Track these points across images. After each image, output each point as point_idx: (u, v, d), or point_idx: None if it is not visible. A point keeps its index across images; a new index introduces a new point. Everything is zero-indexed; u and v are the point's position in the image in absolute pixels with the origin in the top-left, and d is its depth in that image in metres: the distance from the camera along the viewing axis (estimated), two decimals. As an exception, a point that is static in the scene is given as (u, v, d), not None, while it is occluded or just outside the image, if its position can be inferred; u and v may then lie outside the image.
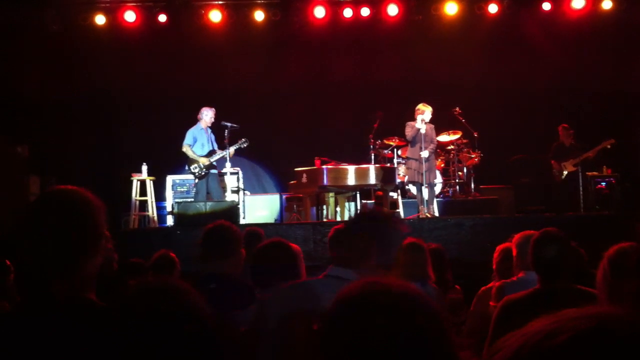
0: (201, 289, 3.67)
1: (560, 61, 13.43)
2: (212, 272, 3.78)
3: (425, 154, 10.45)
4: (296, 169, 11.09)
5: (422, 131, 10.44)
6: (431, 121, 10.74)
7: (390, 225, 2.81)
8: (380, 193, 11.37)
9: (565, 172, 11.68)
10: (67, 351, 1.67)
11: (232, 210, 10.07)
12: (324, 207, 11.67)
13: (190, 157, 10.66)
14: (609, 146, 11.47)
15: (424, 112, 10.52)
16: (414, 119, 10.62)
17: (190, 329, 1.15)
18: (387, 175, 10.75)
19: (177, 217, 10.22)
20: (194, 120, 13.19)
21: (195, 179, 10.75)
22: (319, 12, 13.01)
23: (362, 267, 2.73)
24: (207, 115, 10.81)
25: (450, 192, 12.44)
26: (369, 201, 11.83)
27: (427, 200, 10.53)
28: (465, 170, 12.43)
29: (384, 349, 1.14)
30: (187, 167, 10.72)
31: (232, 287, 3.68)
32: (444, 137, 12.11)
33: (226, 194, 11.64)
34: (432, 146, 10.67)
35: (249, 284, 3.75)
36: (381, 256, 2.75)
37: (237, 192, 11.98)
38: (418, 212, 10.55)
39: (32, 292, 1.91)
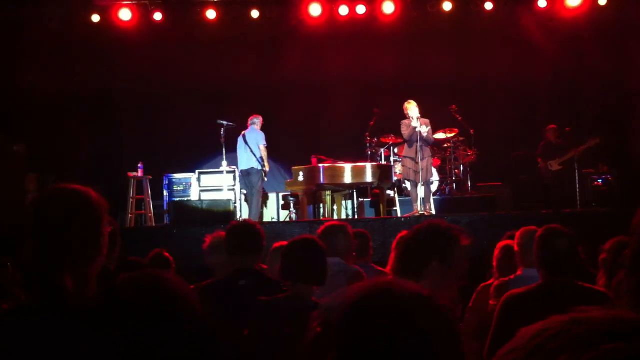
0: (231, 286, 3.67)
1: (557, 57, 13.45)
2: (241, 268, 3.81)
3: (424, 129, 10.38)
4: (293, 167, 11.07)
5: (419, 129, 10.42)
6: (428, 118, 10.73)
7: (451, 239, 2.72)
8: (377, 191, 11.36)
9: (552, 170, 11.68)
10: (64, 351, 1.65)
11: (229, 209, 10.05)
12: (321, 205, 11.66)
13: (265, 157, 10.96)
14: (593, 145, 11.43)
15: (409, 109, 10.52)
16: (406, 117, 10.63)
17: (189, 329, 1.14)
18: (383, 173, 10.74)
19: (174, 215, 10.21)
20: (190, 118, 13.22)
21: (264, 177, 11.11)
22: (315, 9, 12.99)
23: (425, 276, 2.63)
24: (260, 121, 11.18)
25: (447, 189, 12.43)
26: (366, 199, 11.83)
27: (423, 199, 10.52)
28: (461, 167, 12.42)
29: (384, 351, 1.12)
30: (262, 166, 10.93)
31: (262, 283, 3.72)
32: (440, 135, 12.10)
33: (222, 192, 11.69)
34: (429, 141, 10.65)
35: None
36: (445, 274, 2.67)
37: (233, 190, 11.98)
38: (414, 210, 10.55)
39: (33, 291, 1.90)
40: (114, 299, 1.16)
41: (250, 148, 10.85)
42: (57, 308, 1.80)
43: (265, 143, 10.96)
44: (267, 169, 11.03)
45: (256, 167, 10.89)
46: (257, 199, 11.03)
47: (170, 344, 1.11)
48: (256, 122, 11.14)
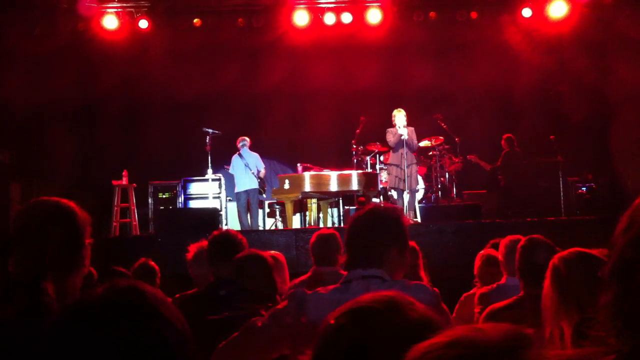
0: (211, 296, 3.63)
1: (541, 66, 13.54)
2: (220, 278, 3.79)
3: (404, 131, 10.47)
4: (278, 175, 11.10)
5: (405, 137, 10.47)
6: (413, 127, 10.79)
7: (400, 219, 2.68)
8: (362, 199, 11.38)
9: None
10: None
11: (214, 216, 10.03)
12: (307, 213, 11.66)
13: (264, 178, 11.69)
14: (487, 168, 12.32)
15: (397, 117, 10.59)
16: (393, 125, 10.68)
17: (165, 341, 1.13)
18: (369, 181, 10.77)
19: (159, 224, 10.16)
20: (175, 126, 13.20)
21: (262, 193, 11.73)
22: (301, 18, 13.00)
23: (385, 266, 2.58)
24: (248, 142, 11.72)
25: (432, 197, 12.47)
26: (351, 207, 11.84)
27: (407, 207, 10.55)
28: (447, 175, 12.47)
29: None
30: (260, 186, 11.49)
31: (241, 293, 3.69)
32: (425, 143, 12.15)
33: (208, 200, 11.70)
34: (413, 146, 10.75)
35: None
36: (401, 260, 2.64)
37: (218, 198, 11.97)
38: (400, 218, 10.53)
39: (14, 302, 1.88)
40: (86, 309, 1.15)
41: (251, 170, 11.32)
42: (36, 317, 1.79)
43: (264, 166, 11.67)
44: (266, 188, 11.64)
45: (256, 187, 11.40)
46: (257, 211, 11.60)
47: (144, 356, 1.11)
48: (246, 144, 11.57)
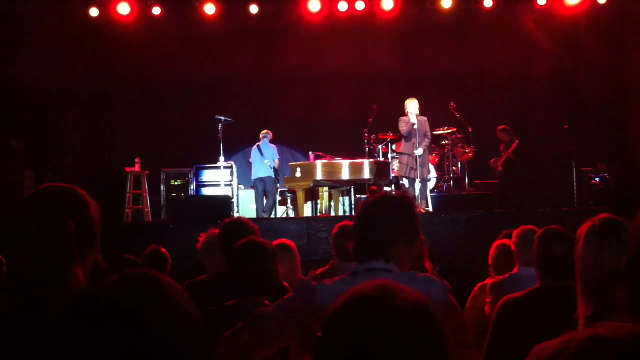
0: (223, 285, 3.59)
1: (556, 55, 13.43)
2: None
3: (419, 152, 10.44)
4: (290, 163, 11.09)
5: (417, 126, 10.43)
6: (426, 114, 10.74)
7: (411, 209, 2.59)
8: (374, 188, 11.34)
9: (499, 171, 12.15)
10: (44, 354, 1.62)
11: (226, 204, 10.02)
12: (318, 201, 11.65)
13: (278, 169, 11.99)
14: (514, 150, 11.96)
15: (409, 105, 10.56)
16: (405, 114, 10.64)
17: (178, 332, 1.12)
18: (381, 170, 10.73)
19: (171, 211, 10.18)
20: (187, 113, 13.21)
21: (277, 183, 11.97)
22: (314, 5, 12.96)
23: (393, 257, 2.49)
24: (270, 135, 12.00)
25: (444, 187, 12.41)
26: (362, 196, 11.82)
27: (419, 196, 10.52)
28: (459, 165, 12.41)
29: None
30: (275, 176, 11.82)
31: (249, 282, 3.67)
32: (438, 132, 12.09)
33: (220, 187, 11.76)
34: (426, 141, 10.67)
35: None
36: (409, 245, 2.56)
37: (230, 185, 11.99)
38: (412, 207, 10.50)
39: (24, 291, 1.88)
40: (100, 299, 1.14)
41: (266, 160, 11.66)
42: (43, 307, 1.79)
43: (279, 157, 12.00)
44: (279, 178, 11.83)
45: (272, 176, 11.74)
46: (273, 199, 11.88)
47: (157, 348, 1.10)
48: (267, 137, 11.91)
